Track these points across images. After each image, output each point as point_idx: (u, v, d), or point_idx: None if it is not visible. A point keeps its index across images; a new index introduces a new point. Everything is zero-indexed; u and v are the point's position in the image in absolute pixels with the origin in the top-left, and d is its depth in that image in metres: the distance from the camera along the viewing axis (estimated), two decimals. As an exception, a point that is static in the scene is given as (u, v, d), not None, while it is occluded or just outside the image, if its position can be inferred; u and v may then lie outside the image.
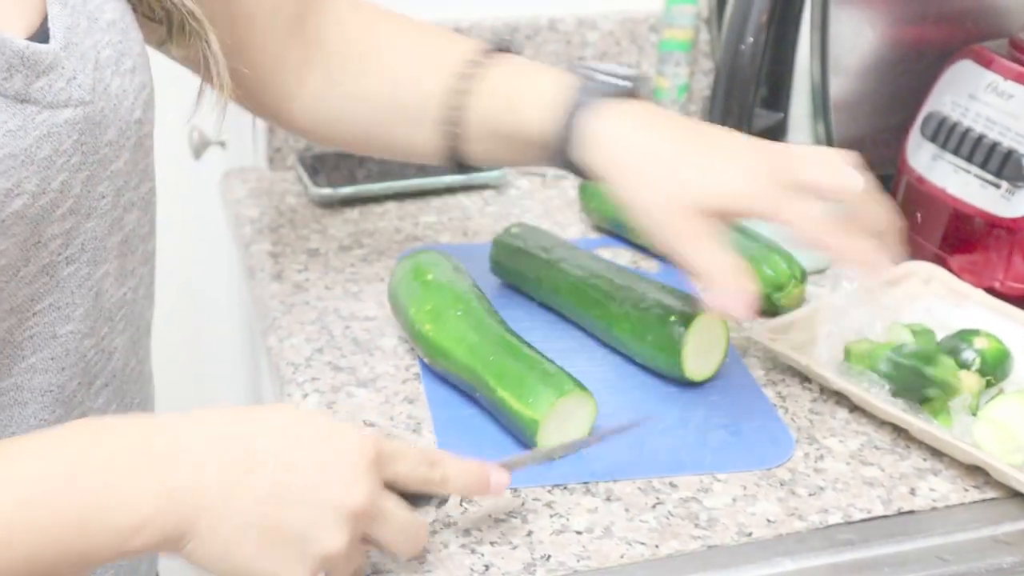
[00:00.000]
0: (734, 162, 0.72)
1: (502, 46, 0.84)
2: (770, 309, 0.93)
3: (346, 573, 0.61)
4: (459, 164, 0.85)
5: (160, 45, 0.76)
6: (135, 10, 0.69)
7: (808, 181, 0.71)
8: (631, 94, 0.77)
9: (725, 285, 0.70)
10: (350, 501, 0.58)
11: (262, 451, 0.58)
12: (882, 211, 0.74)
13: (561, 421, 0.74)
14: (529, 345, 0.79)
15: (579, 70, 0.78)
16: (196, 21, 0.70)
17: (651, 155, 0.73)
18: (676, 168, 0.72)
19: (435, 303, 0.83)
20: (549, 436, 0.74)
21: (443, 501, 0.68)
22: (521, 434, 0.76)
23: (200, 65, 0.72)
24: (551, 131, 0.77)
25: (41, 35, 0.59)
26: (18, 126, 0.56)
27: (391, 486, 0.63)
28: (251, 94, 0.84)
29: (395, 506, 0.62)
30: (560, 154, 0.77)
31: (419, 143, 0.85)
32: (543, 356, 0.78)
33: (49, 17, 0.60)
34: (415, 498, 0.65)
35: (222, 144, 1.23)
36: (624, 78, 0.76)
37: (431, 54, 0.84)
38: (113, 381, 0.69)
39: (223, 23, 0.75)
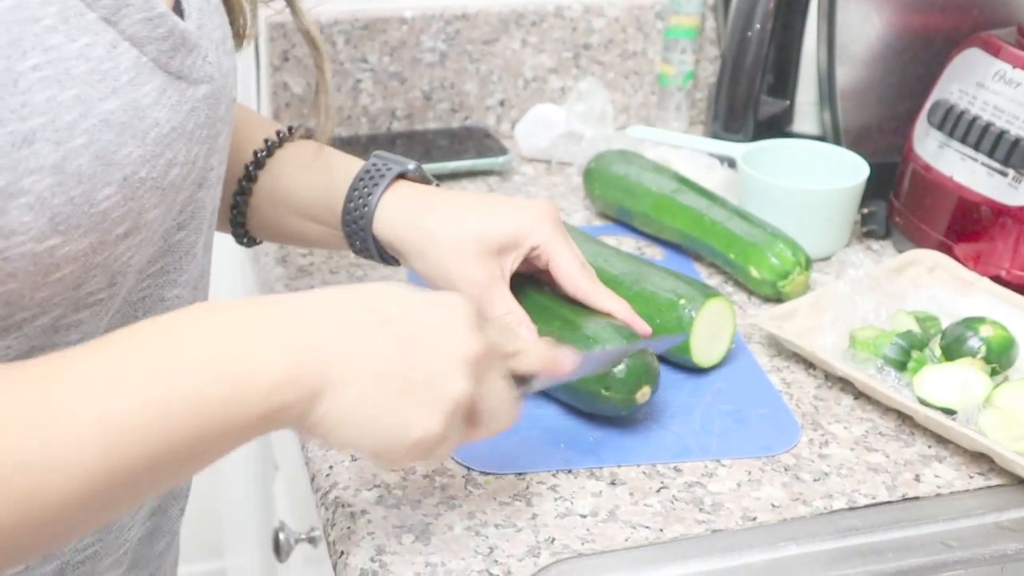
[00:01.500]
0: (509, 205, 0.80)
1: (306, 132, 0.86)
2: (774, 296, 0.93)
3: (451, 446, 0.61)
4: (243, 237, 0.87)
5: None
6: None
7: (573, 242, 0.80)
8: (416, 179, 0.82)
9: (524, 335, 0.76)
10: (470, 349, 0.60)
11: (383, 310, 0.59)
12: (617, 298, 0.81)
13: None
14: None
15: (372, 157, 0.82)
16: (315, 50, 0.76)
17: (438, 216, 0.79)
18: (460, 222, 0.78)
19: None
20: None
21: (522, 392, 0.66)
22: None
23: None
24: (341, 205, 0.81)
25: (176, 13, 0.62)
26: (177, 101, 0.59)
27: None
28: None
29: (500, 365, 0.63)
30: (348, 227, 0.80)
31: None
32: None
33: None
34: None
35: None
36: (413, 166, 0.82)
37: (242, 124, 0.84)
38: None
39: None
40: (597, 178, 1.07)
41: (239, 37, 0.75)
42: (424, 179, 0.83)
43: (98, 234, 0.55)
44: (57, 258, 0.54)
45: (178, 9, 0.62)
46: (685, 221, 0.98)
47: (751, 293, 0.95)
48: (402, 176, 0.81)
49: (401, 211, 0.79)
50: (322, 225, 0.83)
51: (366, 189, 0.80)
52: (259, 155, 0.83)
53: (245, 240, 0.88)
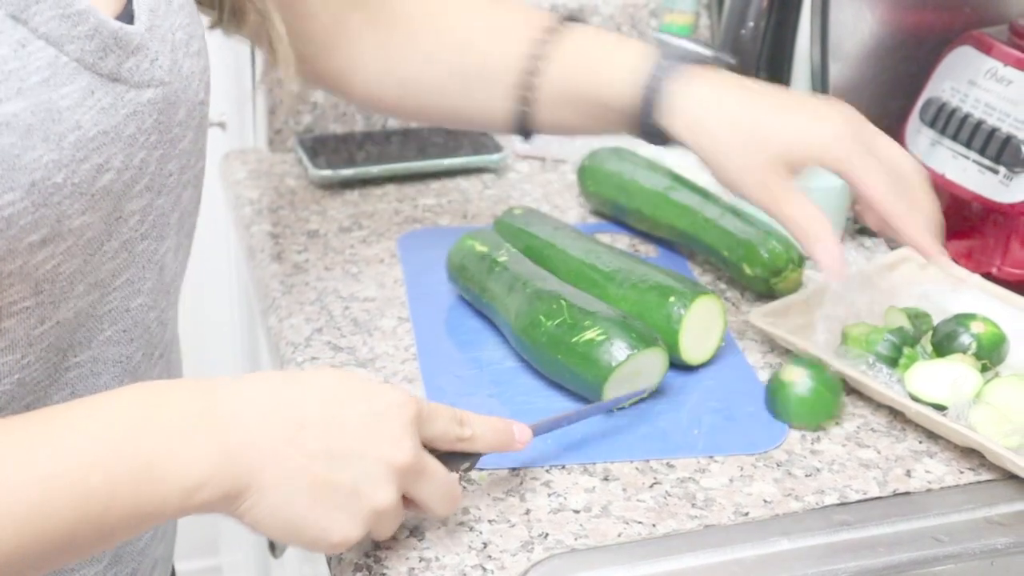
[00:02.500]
0: (818, 117, 0.77)
1: (575, 17, 0.85)
2: (767, 293, 0.93)
3: (389, 530, 0.63)
4: (528, 132, 0.86)
5: (212, 27, 0.79)
6: None
7: (884, 150, 0.77)
8: (709, 63, 0.80)
9: (822, 238, 0.76)
10: (398, 457, 0.60)
11: (312, 412, 0.59)
12: (934, 206, 0.79)
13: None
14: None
15: (655, 41, 0.80)
16: (261, 3, 0.73)
17: (736, 117, 0.77)
18: (760, 126, 0.76)
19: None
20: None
21: (472, 465, 0.68)
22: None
23: (259, 41, 0.76)
24: (632, 96, 0.79)
25: (126, 16, 0.61)
26: (110, 104, 0.57)
27: (427, 443, 0.64)
28: (311, 65, 0.84)
29: (434, 463, 0.63)
30: (641, 119, 0.80)
31: (493, 110, 0.86)
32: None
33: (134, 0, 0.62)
34: (446, 459, 0.66)
35: (222, 125, 1.23)
36: (702, 51, 0.80)
37: (506, 22, 0.85)
38: (167, 352, 0.72)
39: None
40: (591, 175, 1.07)
41: (234, 18, 0.75)
42: (716, 62, 0.83)
43: (5, 240, 0.54)
44: None
45: (129, 11, 0.60)
46: (678, 218, 0.99)
47: (744, 290, 0.96)
48: (685, 62, 0.79)
49: (692, 111, 0.78)
50: (607, 122, 0.83)
51: (653, 88, 0.78)
52: (532, 62, 0.82)
53: (527, 134, 0.87)
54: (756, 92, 0.79)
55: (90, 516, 0.54)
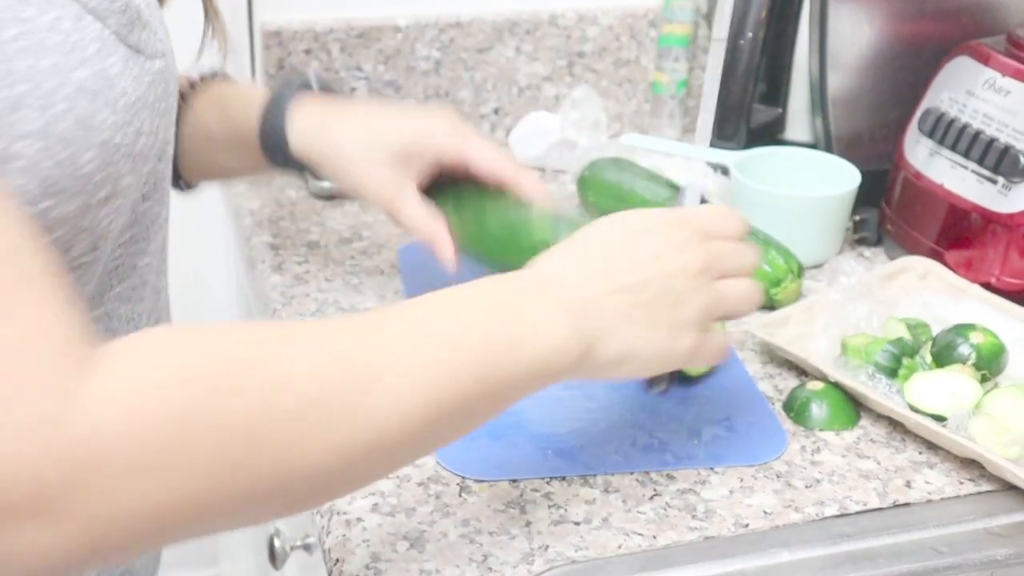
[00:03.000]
0: (424, 117, 0.86)
1: (216, 72, 0.92)
2: (767, 304, 0.93)
3: (720, 347, 0.69)
4: (184, 184, 0.92)
5: None
6: None
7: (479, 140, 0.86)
8: (324, 90, 0.89)
9: (436, 235, 0.84)
10: (689, 262, 0.66)
11: (609, 261, 0.65)
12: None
13: None
14: None
15: (281, 80, 0.90)
16: None
17: (354, 129, 0.85)
18: (376, 132, 0.84)
19: None
20: None
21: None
22: None
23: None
24: (255, 126, 0.86)
25: None
26: (139, 73, 0.62)
27: None
28: None
29: (725, 244, 0.69)
30: (266, 144, 0.86)
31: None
32: None
33: None
34: None
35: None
36: (314, 78, 0.90)
37: None
38: (162, 319, 0.74)
39: None
40: (591, 186, 1.07)
41: (222, 37, 0.81)
42: (328, 84, 0.90)
43: (83, 197, 0.58)
44: (50, 220, 0.56)
45: None
46: None
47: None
48: (307, 89, 0.88)
49: (311, 128, 0.85)
50: (243, 155, 0.88)
51: (275, 113, 0.85)
52: (178, 104, 0.88)
53: (181, 185, 0.93)
54: (367, 108, 0.88)
55: (481, 382, 0.59)
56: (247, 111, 0.87)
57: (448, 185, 0.86)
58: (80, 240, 0.60)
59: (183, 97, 0.88)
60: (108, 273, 0.65)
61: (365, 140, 0.84)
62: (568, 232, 0.73)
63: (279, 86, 0.87)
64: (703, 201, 0.90)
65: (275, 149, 0.86)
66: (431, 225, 0.84)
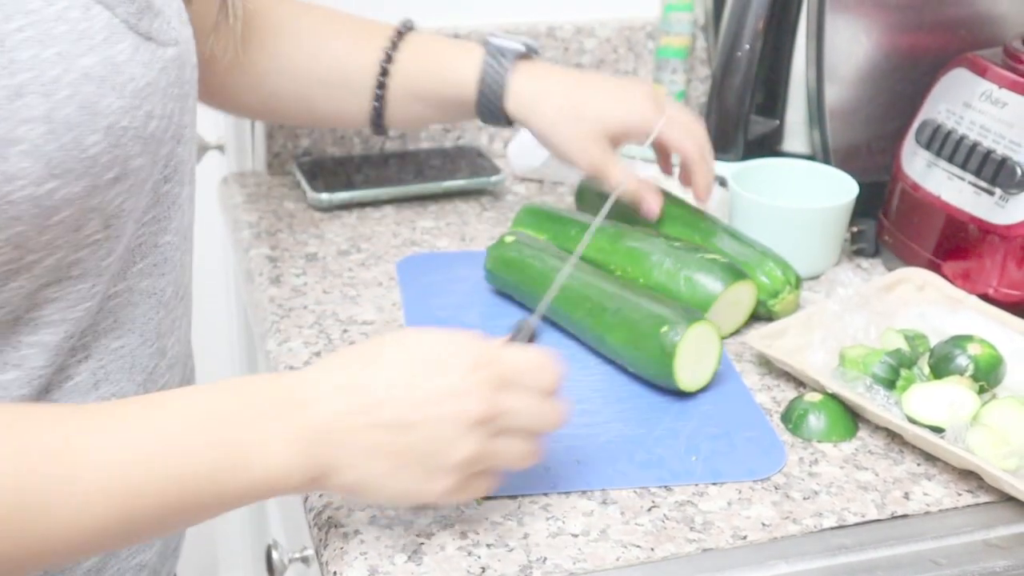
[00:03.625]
0: (626, 94, 0.97)
1: (409, 25, 0.99)
2: (765, 315, 0.93)
3: (484, 487, 0.66)
4: (383, 128, 1.00)
5: None
6: None
7: (679, 115, 0.97)
8: (530, 55, 0.97)
9: (645, 194, 0.97)
10: (469, 409, 0.63)
11: (383, 389, 0.63)
12: (711, 153, 1.00)
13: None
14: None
15: (481, 40, 0.98)
16: None
17: (562, 98, 0.95)
18: (581, 104, 0.95)
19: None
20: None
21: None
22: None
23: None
24: (471, 89, 0.96)
25: None
26: (149, 59, 0.64)
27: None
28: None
29: (521, 399, 0.65)
30: (484, 107, 0.96)
31: (351, 110, 0.99)
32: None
33: None
34: None
35: (221, 149, 1.23)
36: (522, 44, 0.97)
37: (356, 32, 0.99)
38: (186, 295, 0.78)
39: None
40: (589, 197, 1.07)
41: (236, 18, 0.85)
42: (533, 52, 0.98)
43: (90, 178, 0.61)
44: (56, 201, 0.59)
45: None
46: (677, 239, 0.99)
47: (742, 312, 0.96)
48: (523, 56, 0.96)
49: (527, 96, 0.95)
50: (451, 112, 0.99)
51: (494, 78, 0.95)
52: (384, 65, 0.97)
53: (380, 130, 1.01)
54: (575, 77, 0.97)
55: (182, 498, 0.60)
56: (461, 72, 0.96)
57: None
58: (90, 219, 0.62)
59: (389, 56, 0.97)
60: (131, 250, 0.69)
61: (573, 116, 0.94)
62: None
63: (494, 50, 0.96)
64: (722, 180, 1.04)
65: (490, 111, 0.96)
66: (639, 183, 0.96)
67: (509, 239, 0.96)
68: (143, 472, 0.59)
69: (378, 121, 0.99)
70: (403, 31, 0.98)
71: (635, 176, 0.97)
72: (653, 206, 0.97)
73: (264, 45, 0.97)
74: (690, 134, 0.97)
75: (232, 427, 0.61)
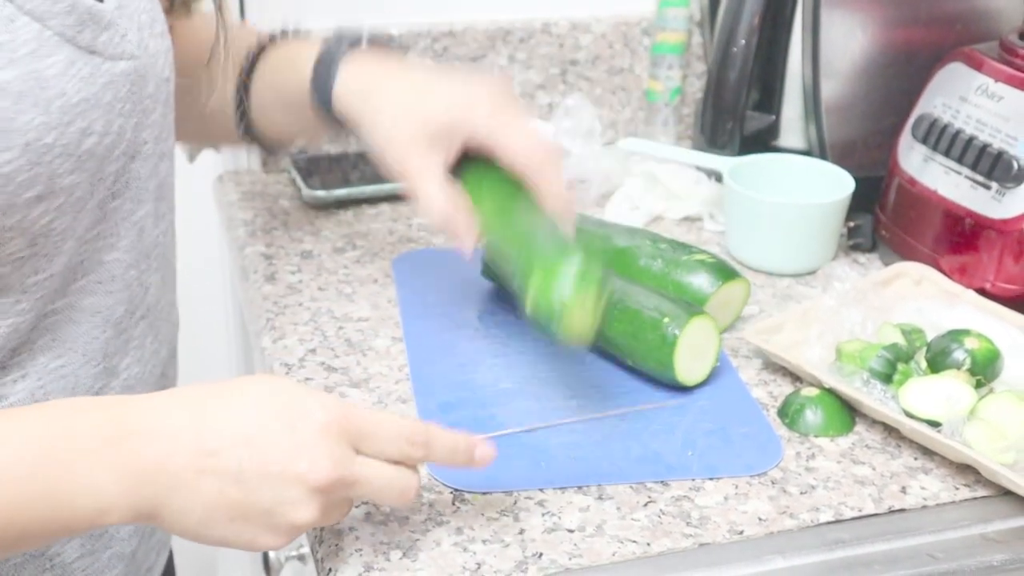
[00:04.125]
0: (463, 93, 0.81)
1: (293, 32, 0.92)
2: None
3: (330, 523, 0.65)
4: (256, 142, 0.93)
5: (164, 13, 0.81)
6: None
7: (520, 125, 0.81)
8: (376, 45, 0.86)
9: (445, 223, 0.79)
10: (313, 476, 0.59)
11: (228, 434, 0.59)
12: (561, 176, 0.81)
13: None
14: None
15: (335, 33, 0.87)
16: None
17: (393, 92, 0.82)
18: (411, 101, 0.81)
19: None
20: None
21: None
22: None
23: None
24: (309, 93, 0.85)
25: None
26: (89, 73, 0.62)
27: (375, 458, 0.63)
28: None
29: (372, 469, 0.62)
30: (314, 100, 0.85)
31: (225, 120, 0.91)
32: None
33: None
34: None
35: (215, 147, 1.23)
36: (373, 34, 0.86)
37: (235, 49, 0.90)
38: (148, 314, 0.75)
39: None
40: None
41: (186, 5, 0.81)
42: (379, 42, 0.87)
43: (5, 196, 0.58)
44: None
45: None
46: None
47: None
48: (357, 45, 0.85)
49: (355, 86, 0.83)
50: (302, 111, 0.86)
51: (326, 69, 0.84)
52: (246, 65, 0.89)
53: (251, 142, 0.93)
54: (413, 74, 0.83)
55: (3, 524, 0.57)
56: (301, 67, 0.85)
57: (480, 162, 0.81)
58: (10, 238, 0.60)
59: (254, 58, 0.89)
60: (72, 267, 0.66)
61: (402, 109, 0.80)
62: (565, 263, 0.71)
63: (331, 42, 0.85)
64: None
65: (323, 106, 0.84)
66: (447, 213, 0.79)
67: None
68: None
69: (248, 133, 0.91)
70: (273, 37, 0.91)
71: (452, 204, 0.79)
72: (464, 245, 0.80)
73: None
74: (525, 138, 0.80)
75: (60, 458, 0.57)
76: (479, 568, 0.68)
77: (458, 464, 0.66)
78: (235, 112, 0.90)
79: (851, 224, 1.04)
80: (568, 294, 0.73)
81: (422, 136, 0.79)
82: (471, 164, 0.82)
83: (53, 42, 0.60)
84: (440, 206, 0.79)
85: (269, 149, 0.95)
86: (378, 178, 1.14)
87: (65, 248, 0.64)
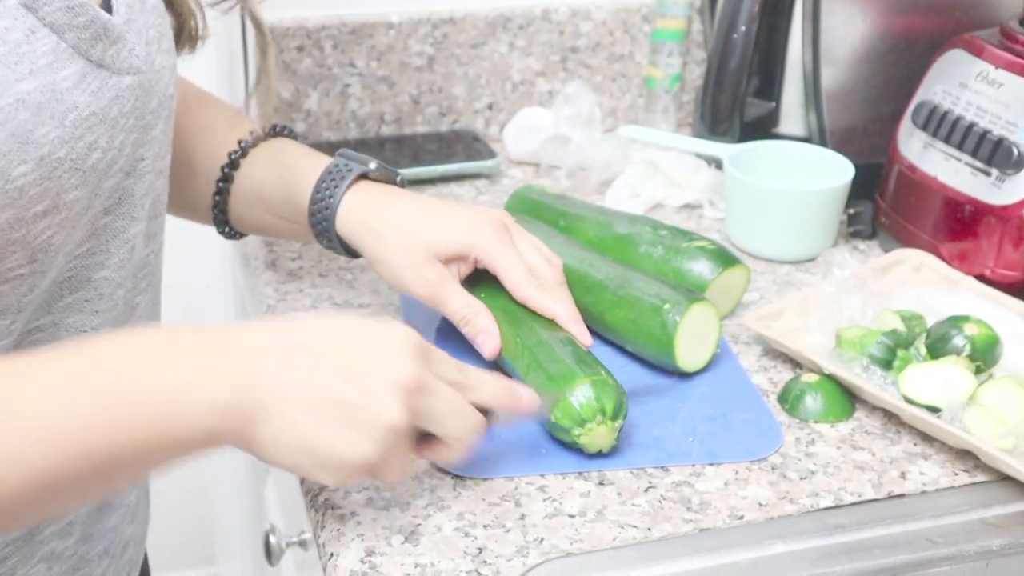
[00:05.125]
0: (465, 219, 0.83)
1: (285, 129, 0.90)
2: (571, 443, 0.76)
3: (397, 470, 0.64)
4: (228, 229, 0.91)
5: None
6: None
7: (525, 247, 0.83)
8: (379, 177, 0.85)
9: (482, 325, 0.81)
10: (405, 375, 0.62)
11: (319, 343, 0.62)
12: (565, 293, 0.84)
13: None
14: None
15: (337, 155, 0.86)
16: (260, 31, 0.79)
17: (397, 221, 0.82)
18: (416, 228, 0.82)
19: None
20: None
21: (489, 420, 0.69)
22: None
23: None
24: (305, 202, 0.84)
25: (105, 8, 0.65)
26: (98, 88, 0.61)
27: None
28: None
29: (446, 389, 0.65)
30: (313, 221, 0.84)
31: (197, 202, 0.90)
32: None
33: None
34: None
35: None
36: (375, 165, 0.84)
37: (214, 121, 0.90)
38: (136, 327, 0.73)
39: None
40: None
41: (192, 39, 0.80)
42: (388, 176, 0.86)
43: (15, 210, 0.57)
44: None
45: (107, 4, 0.65)
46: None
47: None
48: (364, 176, 0.84)
49: (359, 214, 0.82)
50: (293, 223, 0.86)
51: (328, 191, 0.83)
52: (233, 156, 0.87)
53: (227, 232, 0.91)
54: (414, 201, 0.84)
55: (114, 446, 0.57)
56: (301, 183, 0.85)
57: (489, 278, 0.83)
58: (12, 252, 0.59)
59: (243, 150, 0.87)
60: (59, 283, 0.65)
61: (408, 242, 0.81)
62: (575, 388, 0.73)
63: (334, 166, 0.84)
64: None
65: (322, 230, 0.84)
66: (476, 319, 0.81)
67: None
68: (74, 418, 0.56)
69: (223, 220, 0.90)
70: (263, 131, 0.89)
71: (479, 307, 0.81)
72: (489, 345, 0.81)
73: None
74: (523, 270, 0.82)
75: (159, 377, 0.58)
76: (480, 553, 0.68)
77: (503, 403, 0.69)
78: (211, 200, 0.89)
79: (851, 211, 1.05)
80: (584, 420, 0.74)
81: (433, 261, 0.81)
82: (482, 280, 0.84)
83: (68, 55, 0.59)
84: (465, 315, 0.81)
85: (234, 234, 0.92)
86: (378, 165, 1.14)
87: (58, 263, 0.63)
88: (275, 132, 0.90)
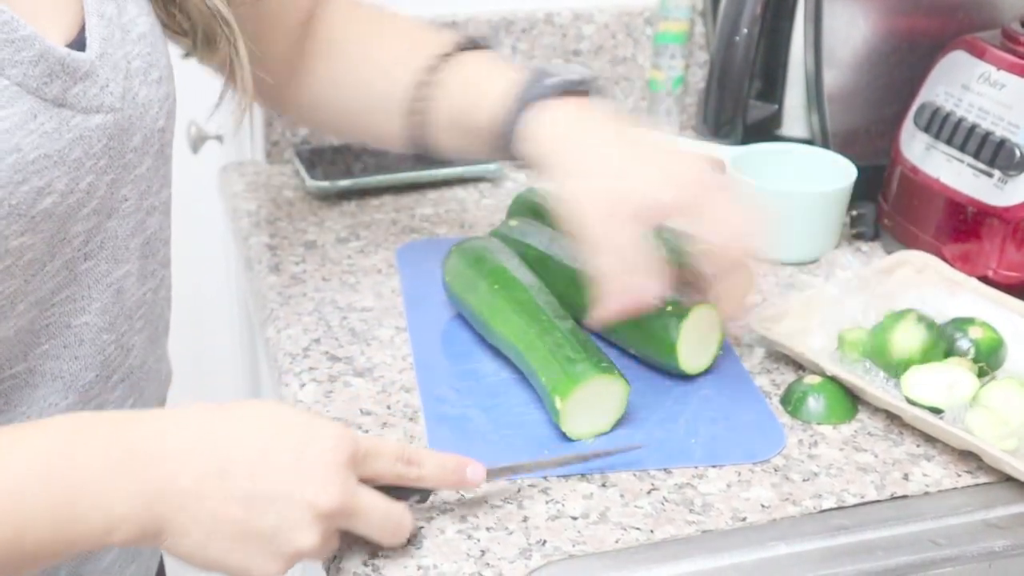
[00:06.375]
0: (665, 172, 0.75)
1: (478, 43, 0.87)
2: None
3: (321, 557, 0.64)
4: (425, 153, 0.88)
5: (185, 56, 0.80)
6: (165, 26, 0.72)
7: (722, 206, 0.76)
8: (579, 92, 0.79)
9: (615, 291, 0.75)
10: (321, 501, 0.60)
11: (237, 454, 0.59)
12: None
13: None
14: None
15: (536, 68, 0.81)
16: (227, 27, 0.73)
17: (590, 155, 0.75)
18: (609, 170, 0.74)
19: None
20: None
21: (423, 498, 0.69)
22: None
23: (223, 70, 0.77)
24: (499, 124, 0.80)
25: (78, 43, 0.61)
26: (54, 128, 0.58)
27: (371, 481, 0.64)
28: (269, 90, 0.86)
29: (372, 501, 0.63)
30: (505, 146, 0.80)
31: (388, 130, 0.88)
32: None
33: (87, 28, 0.62)
34: (398, 491, 0.66)
35: (219, 138, 1.23)
36: (576, 78, 0.78)
37: (405, 47, 0.87)
38: (130, 377, 0.71)
39: (249, 23, 0.78)
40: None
41: (208, 45, 0.75)
42: (593, 89, 0.80)
43: None
44: None
45: (81, 39, 0.61)
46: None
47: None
48: (557, 89, 0.78)
49: (549, 140, 0.76)
50: (484, 141, 0.82)
51: (516, 112, 0.78)
52: (423, 85, 0.84)
53: (424, 153, 0.88)
54: (616, 134, 0.76)
55: (8, 541, 0.55)
56: (488, 104, 0.80)
57: (501, 269, 0.84)
58: None
59: (434, 70, 0.83)
60: (35, 331, 0.63)
61: (595, 177, 0.74)
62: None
63: (529, 82, 0.79)
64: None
65: (510, 150, 0.79)
66: (618, 282, 0.75)
67: (513, 223, 0.96)
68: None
69: (418, 146, 0.86)
70: (453, 50, 0.85)
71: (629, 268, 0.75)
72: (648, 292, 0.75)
73: (314, 65, 0.89)
74: (728, 228, 0.76)
75: (69, 476, 0.57)
76: (483, 555, 0.68)
77: (449, 484, 0.68)
78: (407, 120, 0.85)
79: (854, 213, 1.05)
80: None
81: (615, 211, 0.73)
82: (494, 271, 0.85)
83: (10, 93, 0.56)
84: (612, 277, 0.75)
85: (429, 155, 0.89)
86: (381, 168, 1.14)
87: (16, 312, 0.61)
88: (462, 47, 0.85)
